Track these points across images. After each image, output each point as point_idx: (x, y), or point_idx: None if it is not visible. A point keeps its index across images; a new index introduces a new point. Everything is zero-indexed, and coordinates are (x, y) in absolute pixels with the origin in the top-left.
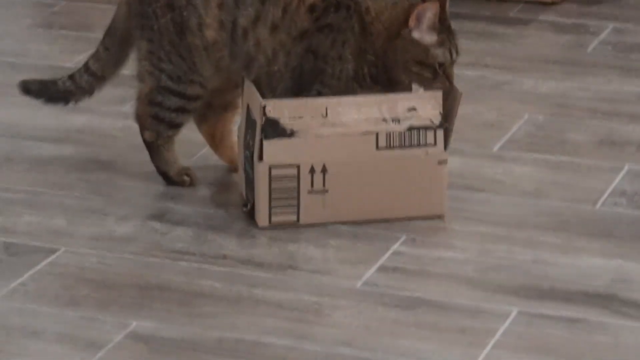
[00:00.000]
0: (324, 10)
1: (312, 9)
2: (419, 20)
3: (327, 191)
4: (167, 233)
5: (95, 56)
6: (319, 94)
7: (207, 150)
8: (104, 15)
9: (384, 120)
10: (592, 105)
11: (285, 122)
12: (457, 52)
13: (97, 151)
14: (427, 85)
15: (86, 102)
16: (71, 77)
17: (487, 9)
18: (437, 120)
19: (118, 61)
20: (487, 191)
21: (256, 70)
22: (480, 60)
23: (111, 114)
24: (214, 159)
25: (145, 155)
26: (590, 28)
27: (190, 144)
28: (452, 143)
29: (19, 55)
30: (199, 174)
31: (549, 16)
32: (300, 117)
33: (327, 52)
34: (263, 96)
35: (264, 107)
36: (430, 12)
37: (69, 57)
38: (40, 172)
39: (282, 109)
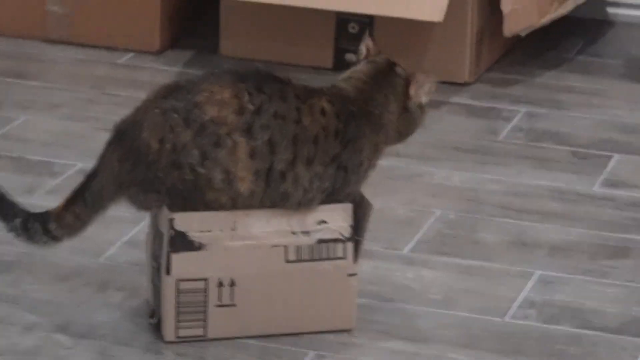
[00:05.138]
0: (344, 129)
1: (336, 134)
2: (418, 91)
3: (235, 305)
4: (71, 347)
5: (58, 221)
6: (349, 196)
7: (115, 250)
8: (12, 90)
9: (294, 232)
10: (504, 201)
11: (194, 235)
12: None
13: (2, 250)
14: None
15: None
16: (24, 222)
17: None
18: (347, 233)
19: (86, 225)
20: (397, 300)
21: (291, 204)
22: (392, 148)
23: None
24: (122, 259)
25: (51, 254)
26: (502, 112)
27: (98, 242)
28: (363, 242)
29: None
30: (107, 276)
31: (461, 98)
32: (209, 230)
33: (354, 165)
34: None
35: (172, 220)
36: (428, 82)
37: None
38: None
39: (190, 222)
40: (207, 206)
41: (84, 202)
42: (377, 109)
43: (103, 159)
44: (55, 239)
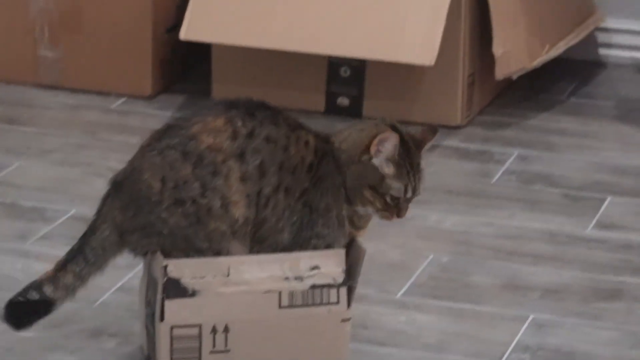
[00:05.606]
0: (317, 166)
1: (310, 167)
2: (379, 147)
3: (229, 351)
4: None
5: (53, 282)
6: (315, 247)
7: (108, 296)
8: (4, 136)
9: (287, 278)
10: (496, 244)
11: (187, 281)
12: (414, 192)
13: None
14: (376, 212)
15: None
16: (23, 292)
17: None
18: (340, 278)
19: (85, 284)
20: (389, 345)
21: (264, 230)
22: None
23: (11, 252)
24: (116, 305)
25: None
26: (494, 155)
27: (92, 287)
28: (356, 286)
29: None
30: (99, 323)
31: (453, 141)
32: (202, 277)
33: (318, 205)
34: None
35: (166, 267)
36: (389, 143)
37: None
38: None
39: (183, 268)
40: (210, 239)
41: (84, 260)
42: (345, 153)
43: (101, 213)
44: (52, 303)
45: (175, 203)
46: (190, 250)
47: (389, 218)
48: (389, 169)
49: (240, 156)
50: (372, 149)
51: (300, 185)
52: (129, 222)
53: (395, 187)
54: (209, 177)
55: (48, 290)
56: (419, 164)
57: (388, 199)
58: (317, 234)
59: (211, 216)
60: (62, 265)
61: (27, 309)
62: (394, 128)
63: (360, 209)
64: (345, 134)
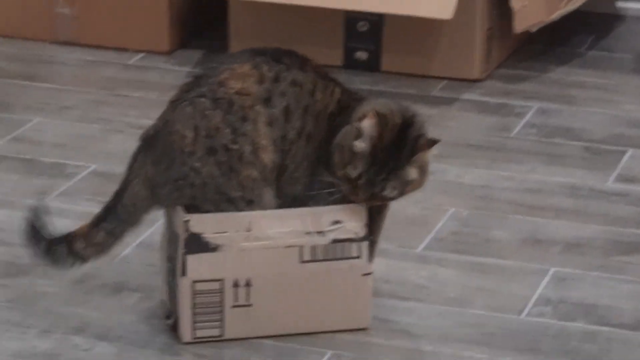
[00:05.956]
0: (336, 117)
1: (330, 117)
2: (369, 122)
3: (251, 305)
4: (89, 349)
5: (86, 240)
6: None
7: (129, 251)
8: (23, 93)
9: (308, 233)
10: (517, 198)
11: (209, 236)
12: (370, 184)
13: (18, 252)
14: (337, 180)
15: (6, 194)
16: (49, 248)
17: (411, 86)
18: (361, 232)
19: (118, 241)
20: (412, 299)
21: (285, 178)
22: None
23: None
24: (136, 260)
25: None
26: (514, 109)
27: None
28: (378, 241)
29: None
30: (121, 278)
31: (472, 95)
32: (224, 232)
33: (329, 158)
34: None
35: (187, 222)
36: (371, 126)
37: None
38: None
39: (205, 223)
40: (243, 187)
41: (116, 217)
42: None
43: (132, 169)
44: (83, 259)
45: (208, 152)
46: (222, 201)
47: (348, 194)
48: (360, 145)
49: (267, 100)
50: (364, 120)
51: (320, 133)
52: (161, 176)
53: (355, 160)
54: (239, 123)
55: (80, 246)
56: (399, 170)
57: (348, 173)
58: (324, 189)
59: (243, 163)
60: (95, 223)
61: (54, 257)
62: (405, 121)
63: (325, 176)
64: (368, 101)
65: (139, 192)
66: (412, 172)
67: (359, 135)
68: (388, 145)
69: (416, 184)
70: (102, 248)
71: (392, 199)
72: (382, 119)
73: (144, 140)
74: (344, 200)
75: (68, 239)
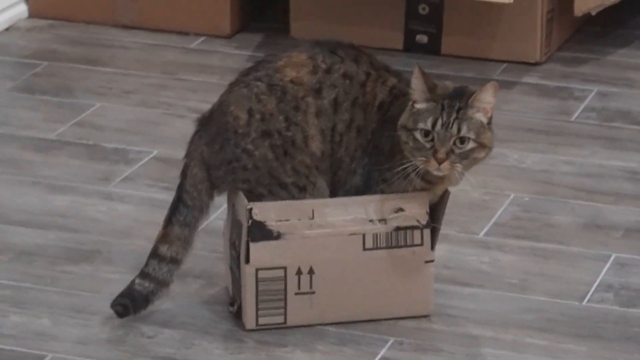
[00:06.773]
0: (389, 105)
1: (380, 106)
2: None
3: (314, 292)
4: (153, 336)
5: (165, 239)
6: (382, 192)
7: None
8: (85, 77)
9: (371, 221)
10: (577, 182)
11: (272, 224)
12: (446, 127)
13: (82, 238)
14: (412, 157)
15: (69, 180)
16: (146, 275)
17: (470, 69)
18: (424, 220)
19: (195, 230)
20: (473, 285)
21: (342, 171)
22: None
23: (95, 194)
24: (199, 247)
25: (129, 243)
26: (574, 92)
27: None
28: (440, 228)
29: None
30: (184, 264)
31: (532, 78)
32: (287, 220)
33: (384, 146)
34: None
35: (250, 210)
36: (413, 79)
37: (51, 127)
38: (25, 263)
39: (268, 211)
40: (296, 172)
41: (184, 206)
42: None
43: (189, 152)
44: (174, 262)
45: (263, 135)
46: (274, 185)
47: (429, 164)
48: (419, 104)
49: (317, 91)
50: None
51: (370, 124)
52: (215, 156)
53: (424, 115)
54: (292, 113)
55: (163, 250)
56: (467, 108)
57: (419, 136)
58: (383, 178)
59: (297, 149)
60: (168, 220)
61: (155, 278)
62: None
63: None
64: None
65: (197, 174)
66: (478, 114)
67: (414, 101)
68: (446, 95)
69: (486, 136)
70: (182, 243)
71: (472, 151)
72: (427, 75)
73: (200, 121)
74: (424, 175)
75: (152, 251)
